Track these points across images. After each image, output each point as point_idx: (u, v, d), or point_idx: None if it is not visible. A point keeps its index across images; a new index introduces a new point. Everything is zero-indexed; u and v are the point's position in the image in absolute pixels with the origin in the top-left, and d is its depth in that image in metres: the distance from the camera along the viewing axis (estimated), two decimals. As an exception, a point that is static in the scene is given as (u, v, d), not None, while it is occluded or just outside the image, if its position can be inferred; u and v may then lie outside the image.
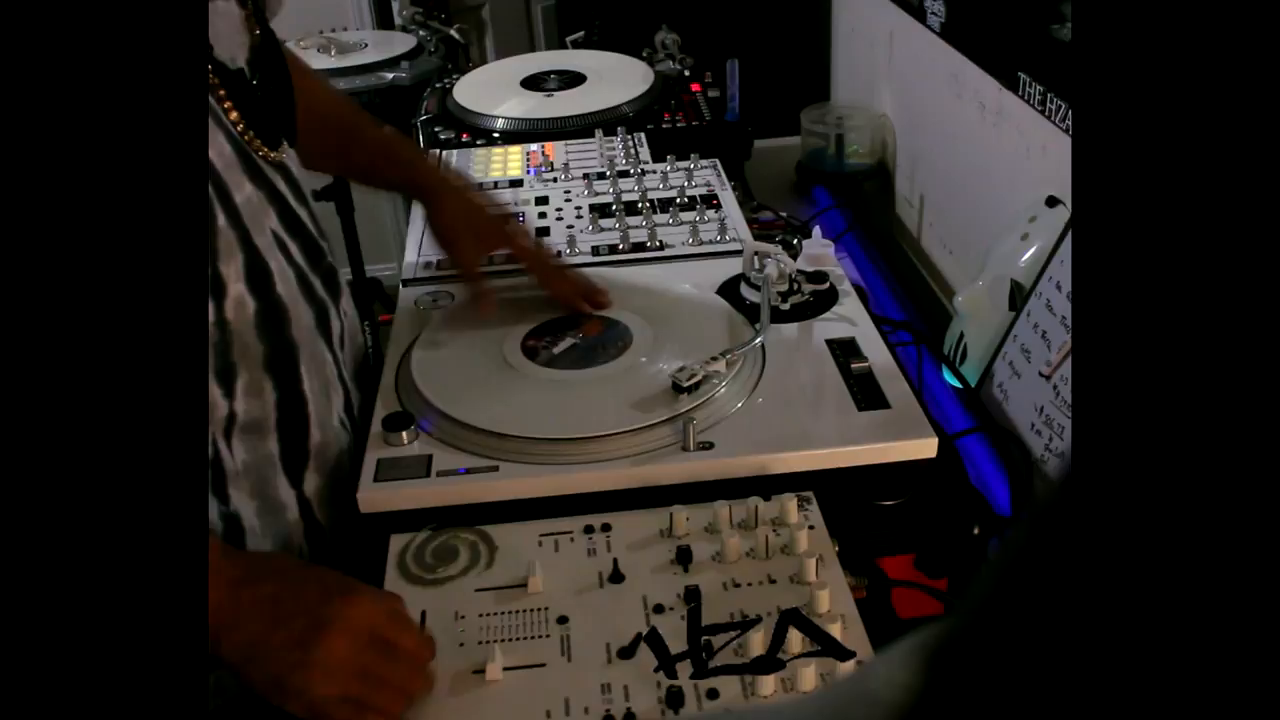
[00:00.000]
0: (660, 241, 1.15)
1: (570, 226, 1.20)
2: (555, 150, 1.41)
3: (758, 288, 1.00)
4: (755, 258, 1.03)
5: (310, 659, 0.63)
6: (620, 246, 1.15)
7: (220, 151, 0.73)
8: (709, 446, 0.82)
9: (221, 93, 0.75)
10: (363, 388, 0.94)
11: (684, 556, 0.74)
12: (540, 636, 0.69)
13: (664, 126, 1.52)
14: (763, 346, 0.93)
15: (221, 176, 0.73)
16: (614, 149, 1.41)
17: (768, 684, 0.64)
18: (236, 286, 0.74)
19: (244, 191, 0.75)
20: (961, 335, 1.27)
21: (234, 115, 0.75)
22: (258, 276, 0.75)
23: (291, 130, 0.85)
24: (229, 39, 0.77)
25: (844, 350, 0.94)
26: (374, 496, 0.80)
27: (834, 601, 0.69)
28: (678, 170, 1.33)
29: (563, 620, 0.70)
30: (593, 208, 1.24)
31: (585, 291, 1.00)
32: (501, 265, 1.07)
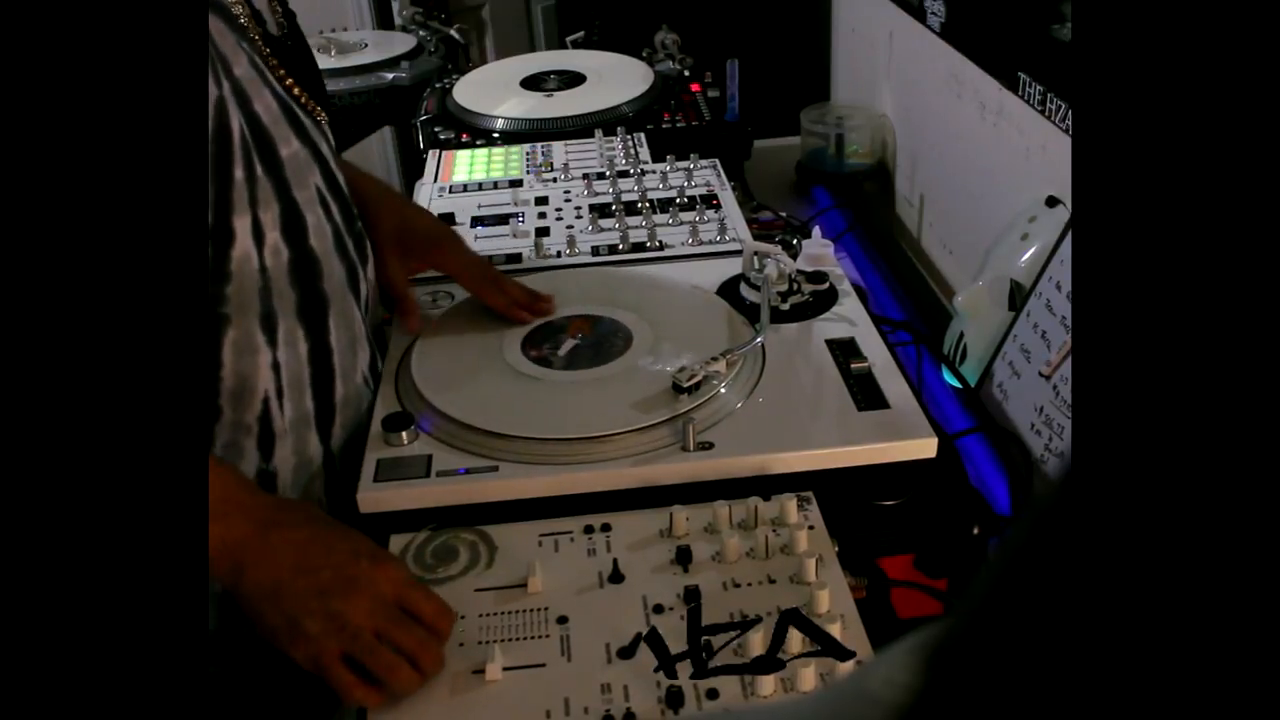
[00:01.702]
0: (660, 241, 1.15)
1: (570, 226, 1.20)
2: (555, 150, 1.42)
3: (757, 288, 1.00)
4: (755, 258, 1.03)
5: (330, 609, 0.64)
6: (620, 246, 1.15)
7: (268, 107, 0.76)
8: (709, 446, 0.82)
9: (274, 61, 0.78)
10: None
11: (684, 556, 0.74)
12: (540, 636, 0.69)
13: (664, 126, 1.52)
14: (763, 346, 0.93)
15: (269, 131, 0.76)
16: (614, 149, 1.41)
17: (768, 684, 0.64)
18: (272, 234, 0.77)
19: (291, 146, 0.78)
20: (961, 335, 1.27)
21: (282, 72, 0.79)
22: (293, 227, 0.78)
23: (326, 98, 0.88)
24: (266, 14, 0.81)
25: (844, 350, 0.94)
26: (374, 496, 0.80)
27: (834, 601, 0.69)
28: (677, 170, 1.33)
29: (562, 620, 0.70)
30: (593, 208, 1.24)
31: (524, 300, 0.99)
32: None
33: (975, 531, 0.84)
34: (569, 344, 0.95)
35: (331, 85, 1.94)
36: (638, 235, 1.16)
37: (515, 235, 1.19)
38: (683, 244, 1.15)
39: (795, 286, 1.01)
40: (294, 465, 0.81)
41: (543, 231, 1.19)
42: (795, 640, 0.67)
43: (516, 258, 1.14)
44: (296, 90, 0.80)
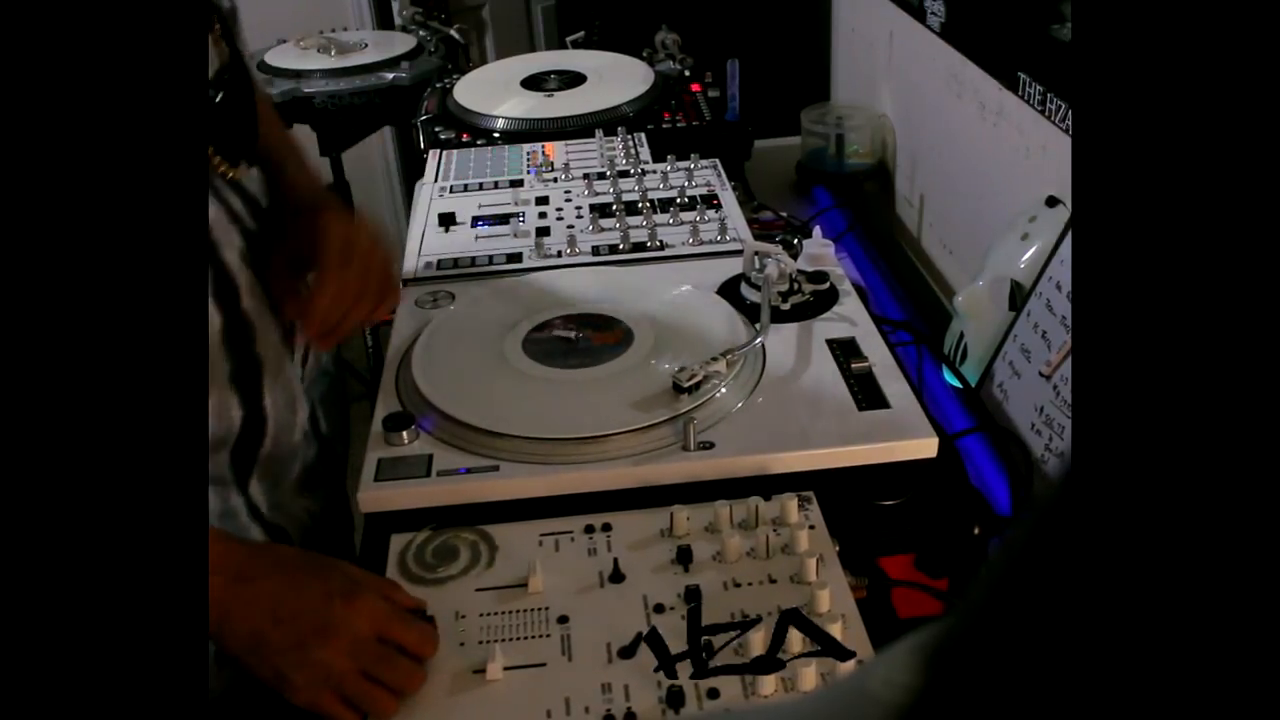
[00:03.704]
0: (660, 241, 1.15)
1: (570, 226, 1.20)
2: (555, 150, 1.41)
3: (758, 288, 1.00)
4: (755, 258, 1.03)
5: (311, 659, 0.64)
6: (620, 246, 1.15)
7: None
8: (709, 446, 0.82)
9: None
10: (329, 406, 0.95)
11: (684, 556, 0.74)
12: (540, 636, 0.69)
13: (664, 126, 1.52)
14: (763, 346, 0.93)
15: None
16: (614, 149, 1.41)
17: (768, 684, 0.64)
18: None
19: (212, 210, 0.76)
20: (961, 335, 1.27)
21: None
22: (223, 292, 0.76)
23: (252, 150, 0.84)
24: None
25: (844, 350, 0.94)
26: (374, 496, 0.80)
27: (834, 601, 0.69)
28: (678, 170, 1.33)
29: (563, 620, 0.70)
30: (593, 208, 1.24)
31: (328, 322, 0.81)
32: (501, 265, 1.07)
33: (975, 531, 0.84)
34: (569, 343, 0.95)
35: (331, 85, 1.95)
36: (638, 235, 1.16)
37: (515, 235, 1.19)
38: (683, 244, 1.15)
39: (796, 286, 1.01)
40: (219, 513, 0.80)
41: (543, 231, 1.19)
42: (795, 640, 0.67)
43: (517, 257, 1.14)
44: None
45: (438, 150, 1.45)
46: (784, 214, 1.46)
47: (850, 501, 0.80)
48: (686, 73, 1.70)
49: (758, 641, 0.66)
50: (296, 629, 0.65)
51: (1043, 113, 1.20)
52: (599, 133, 1.46)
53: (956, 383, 1.21)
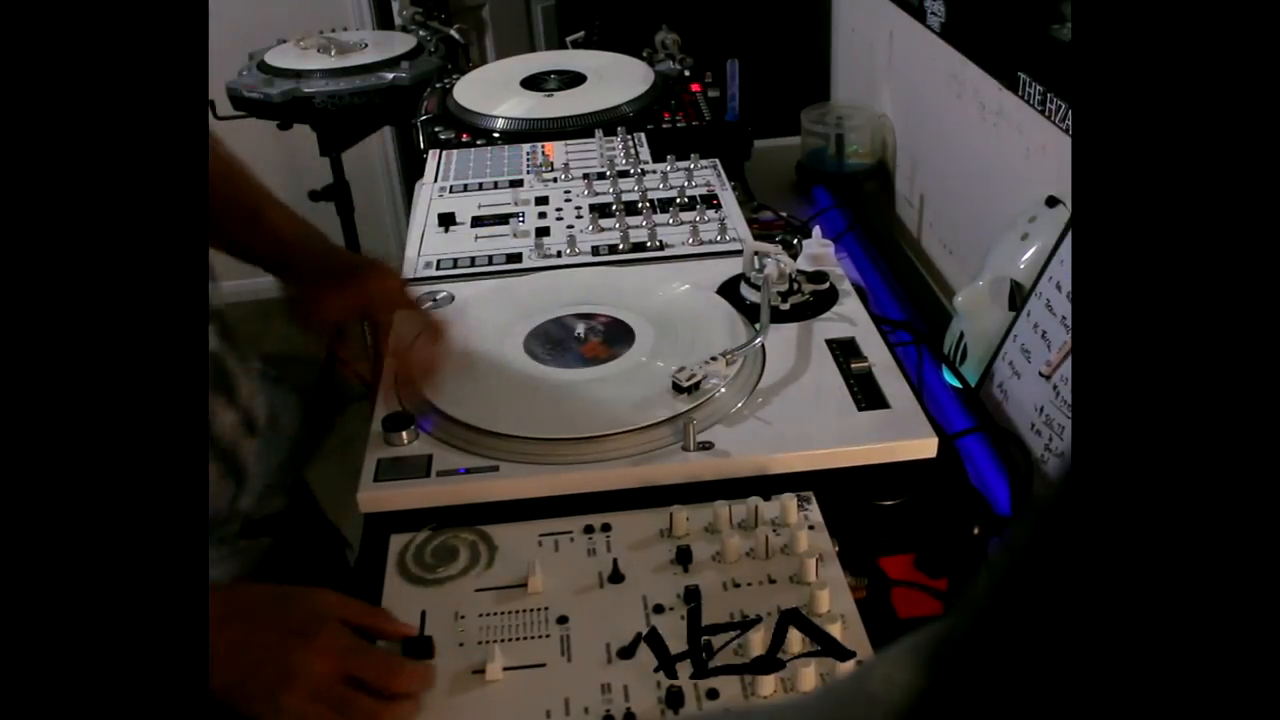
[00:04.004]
0: (660, 241, 1.15)
1: (570, 226, 1.20)
2: (555, 150, 1.41)
3: (758, 288, 1.00)
4: (755, 258, 1.03)
5: (281, 706, 0.64)
6: (620, 246, 1.15)
7: None
8: (709, 446, 0.82)
9: None
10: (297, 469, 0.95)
11: (684, 556, 0.74)
12: (540, 636, 0.69)
13: (664, 126, 1.52)
14: (763, 346, 0.93)
15: None
16: (614, 149, 1.41)
17: (768, 684, 0.64)
18: None
19: None
20: (961, 335, 1.27)
21: None
22: None
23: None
24: None
25: (844, 350, 0.94)
26: (374, 496, 0.80)
27: (834, 601, 0.69)
28: (678, 170, 1.33)
29: (563, 620, 0.70)
30: (593, 208, 1.24)
31: (414, 369, 0.92)
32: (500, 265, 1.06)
33: (975, 531, 0.84)
34: (569, 344, 0.95)
35: (331, 85, 1.96)
36: (638, 235, 1.16)
37: (515, 235, 1.19)
38: (683, 244, 1.15)
39: (795, 286, 1.01)
40: None
41: (543, 231, 1.19)
42: (795, 640, 0.67)
43: (517, 258, 1.14)
44: None
45: (437, 150, 1.45)
46: (784, 214, 1.46)
47: (850, 501, 0.80)
48: (686, 73, 1.70)
49: (757, 642, 0.66)
50: (263, 677, 0.64)
51: (1043, 113, 1.20)
52: (599, 133, 1.46)
53: (956, 383, 1.21)
